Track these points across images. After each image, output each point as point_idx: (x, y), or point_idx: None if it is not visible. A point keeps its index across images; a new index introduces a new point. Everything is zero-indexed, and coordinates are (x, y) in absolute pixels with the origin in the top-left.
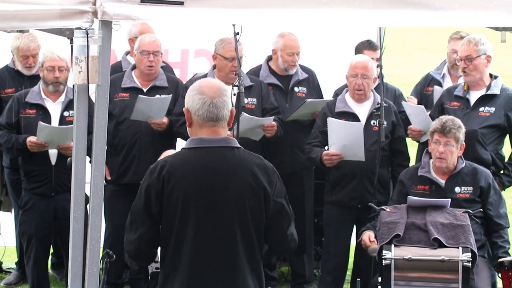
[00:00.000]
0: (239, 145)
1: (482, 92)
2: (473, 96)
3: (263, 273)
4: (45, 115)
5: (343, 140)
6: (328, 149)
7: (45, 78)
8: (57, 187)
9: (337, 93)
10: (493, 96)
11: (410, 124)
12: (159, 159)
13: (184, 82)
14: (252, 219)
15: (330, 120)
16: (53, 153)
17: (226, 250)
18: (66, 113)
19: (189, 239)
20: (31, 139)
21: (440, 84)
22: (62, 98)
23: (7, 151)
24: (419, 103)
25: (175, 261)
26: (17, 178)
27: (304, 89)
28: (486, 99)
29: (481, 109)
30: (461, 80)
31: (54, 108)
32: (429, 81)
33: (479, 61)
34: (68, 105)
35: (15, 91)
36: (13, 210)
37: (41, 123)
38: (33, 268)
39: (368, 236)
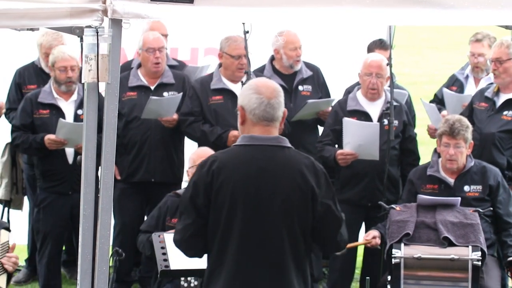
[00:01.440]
0: (290, 145)
1: (511, 96)
2: (501, 99)
3: (309, 274)
4: (59, 114)
5: (359, 140)
6: (338, 146)
7: (57, 78)
8: (74, 186)
9: (348, 91)
10: None
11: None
12: (190, 157)
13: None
14: (298, 219)
15: (346, 120)
16: (70, 152)
17: (272, 248)
18: (79, 111)
19: (235, 235)
20: (49, 136)
21: (462, 86)
22: (74, 96)
23: (24, 152)
24: (442, 103)
25: (221, 257)
26: (35, 174)
27: (309, 87)
28: (510, 103)
29: (505, 112)
30: (482, 83)
31: (68, 107)
32: (453, 81)
33: (509, 64)
34: (81, 103)
35: (37, 87)
36: (25, 208)
37: (61, 120)
38: (46, 265)
39: (368, 233)
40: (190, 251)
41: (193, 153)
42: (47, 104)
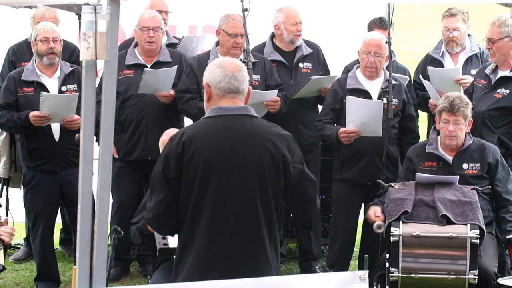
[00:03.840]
0: (256, 114)
1: (506, 73)
2: (497, 77)
3: (279, 241)
4: (43, 91)
5: (362, 117)
6: (337, 125)
7: (39, 51)
8: (61, 163)
9: (348, 69)
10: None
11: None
12: (160, 139)
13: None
14: (271, 186)
15: (350, 99)
16: (56, 129)
17: (246, 217)
18: (64, 88)
19: (208, 205)
20: (34, 113)
21: (441, 63)
22: (58, 73)
23: (9, 130)
24: (422, 86)
25: (193, 230)
26: None
27: (309, 64)
28: (505, 81)
29: (498, 90)
30: (461, 57)
31: (51, 84)
32: (429, 61)
33: (502, 43)
34: (65, 80)
35: None
36: (22, 186)
37: (43, 93)
38: (40, 244)
39: (374, 211)
40: (163, 228)
41: (163, 136)
42: (31, 82)
